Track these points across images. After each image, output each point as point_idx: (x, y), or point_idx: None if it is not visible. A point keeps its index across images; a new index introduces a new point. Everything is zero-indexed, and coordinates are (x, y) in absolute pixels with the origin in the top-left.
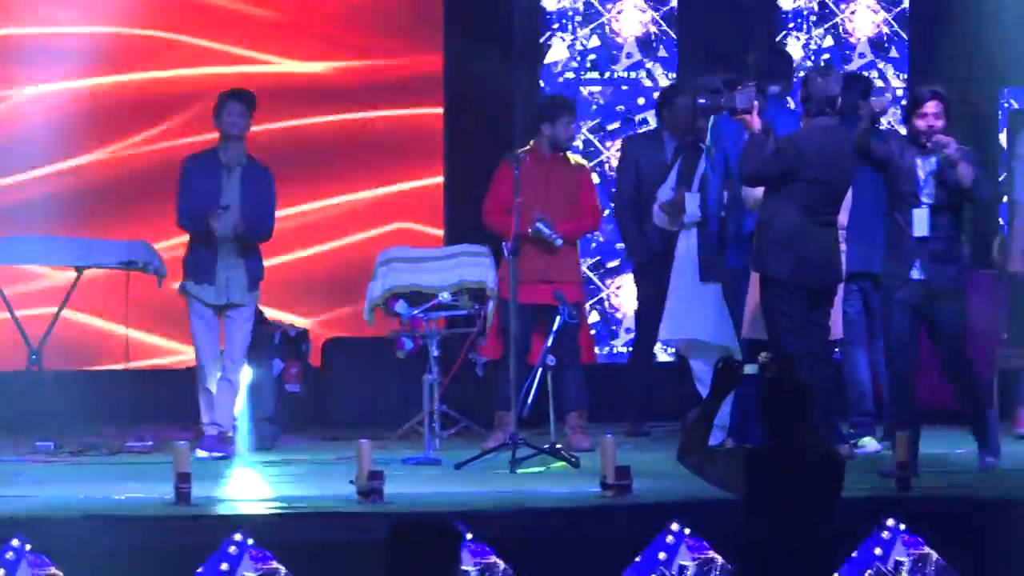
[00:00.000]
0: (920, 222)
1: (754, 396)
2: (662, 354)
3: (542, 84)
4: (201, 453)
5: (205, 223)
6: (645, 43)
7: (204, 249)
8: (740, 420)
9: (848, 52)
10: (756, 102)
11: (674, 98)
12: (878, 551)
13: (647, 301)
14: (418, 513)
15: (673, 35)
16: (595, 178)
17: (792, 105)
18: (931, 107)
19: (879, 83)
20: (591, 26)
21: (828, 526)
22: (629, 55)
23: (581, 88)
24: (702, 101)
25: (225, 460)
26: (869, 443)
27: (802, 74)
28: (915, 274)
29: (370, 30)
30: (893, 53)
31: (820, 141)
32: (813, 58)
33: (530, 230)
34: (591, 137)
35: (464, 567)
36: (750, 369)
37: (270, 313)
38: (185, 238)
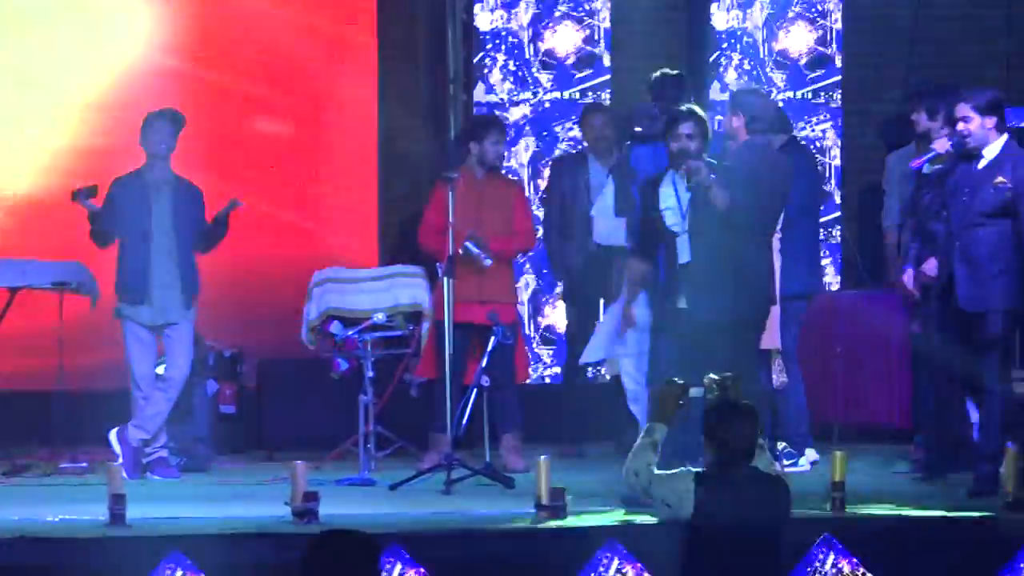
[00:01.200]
0: (682, 249)
1: (699, 418)
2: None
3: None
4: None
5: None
6: (579, 63)
7: (136, 269)
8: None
9: (783, 72)
10: None
11: (592, 118)
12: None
13: (575, 321)
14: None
15: (608, 56)
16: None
17: None
18: (685, 128)
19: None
20: (526, 46)
21: (776, 546)
22: (562, 74)
23: (513, 108)
24: (638, 129)
25: (165, 481)
26: (803, 462)
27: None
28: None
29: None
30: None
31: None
32: (746, 78)
33: (460, 250)
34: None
35: None
36: (695, 392)
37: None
38: None
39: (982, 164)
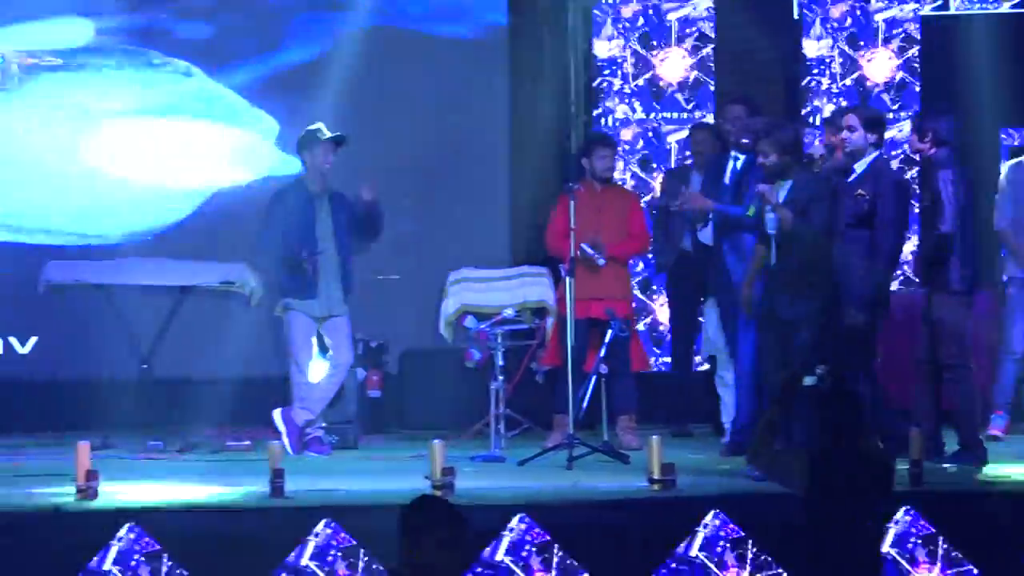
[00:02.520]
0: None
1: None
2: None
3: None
4: (309, 454)
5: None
6: (686, 88)
7: (304, 272)
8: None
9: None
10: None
11: (696, 134)
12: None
13: (677, 311)
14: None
15: (711, 82)
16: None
17: None
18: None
19: None
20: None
21: (882, 522)
22: (672, 99)
23: (624, 129)
24: (745, 141)
25: (319, 458)
26: None
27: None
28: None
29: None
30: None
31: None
32: (836, 102)
33: (578, 252)
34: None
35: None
36: (809, 380)
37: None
38: None
39: (852, 177)
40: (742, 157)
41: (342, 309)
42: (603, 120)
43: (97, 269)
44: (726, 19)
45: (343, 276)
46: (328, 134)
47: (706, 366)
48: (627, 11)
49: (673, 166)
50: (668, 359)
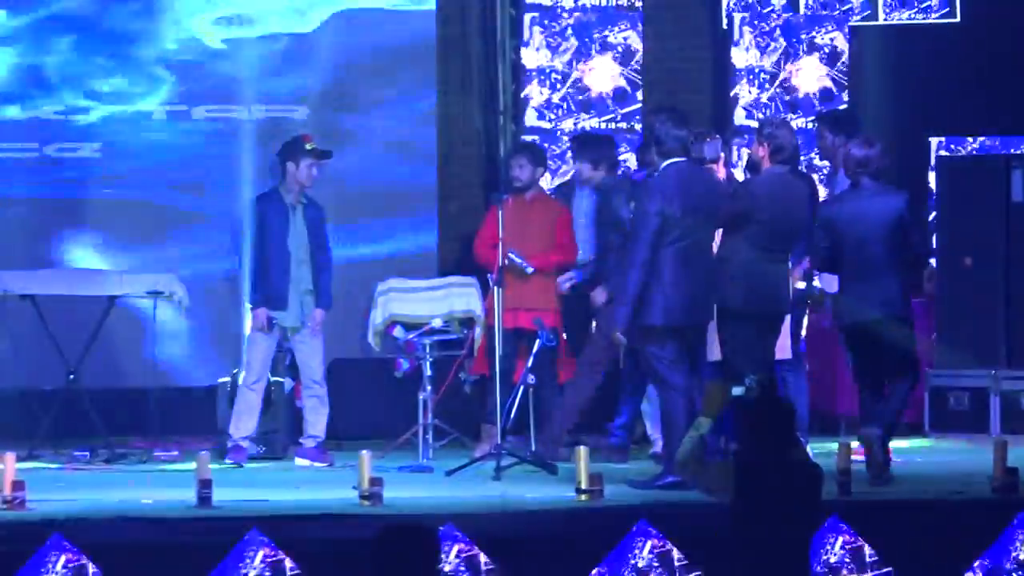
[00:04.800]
0: None
1: (734, 415)
2: None
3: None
4: (301, 461)
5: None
6: (615, 97)
7: (277, 277)
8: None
9: (795, 107)
10: (722, 153)
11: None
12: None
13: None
14: (403, 515)
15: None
16: None
17: None
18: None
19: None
20: (567, 81)
21: (811, 531)
22: (601, 107)
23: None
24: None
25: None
26: None
27: (757, 125)
28: None
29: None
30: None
31: (772, 187)
32: (764, 111)
33: (506, 261)
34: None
35: (450, 563)
36: (737, 390)
37: None
38: None
39: None
40: None
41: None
42: (530, 130)
43: (24, 279)
44: (654, 28)
45: (317, 286)
46: (314, 146)
47: None
48: (556, 20)
49: None
50: None
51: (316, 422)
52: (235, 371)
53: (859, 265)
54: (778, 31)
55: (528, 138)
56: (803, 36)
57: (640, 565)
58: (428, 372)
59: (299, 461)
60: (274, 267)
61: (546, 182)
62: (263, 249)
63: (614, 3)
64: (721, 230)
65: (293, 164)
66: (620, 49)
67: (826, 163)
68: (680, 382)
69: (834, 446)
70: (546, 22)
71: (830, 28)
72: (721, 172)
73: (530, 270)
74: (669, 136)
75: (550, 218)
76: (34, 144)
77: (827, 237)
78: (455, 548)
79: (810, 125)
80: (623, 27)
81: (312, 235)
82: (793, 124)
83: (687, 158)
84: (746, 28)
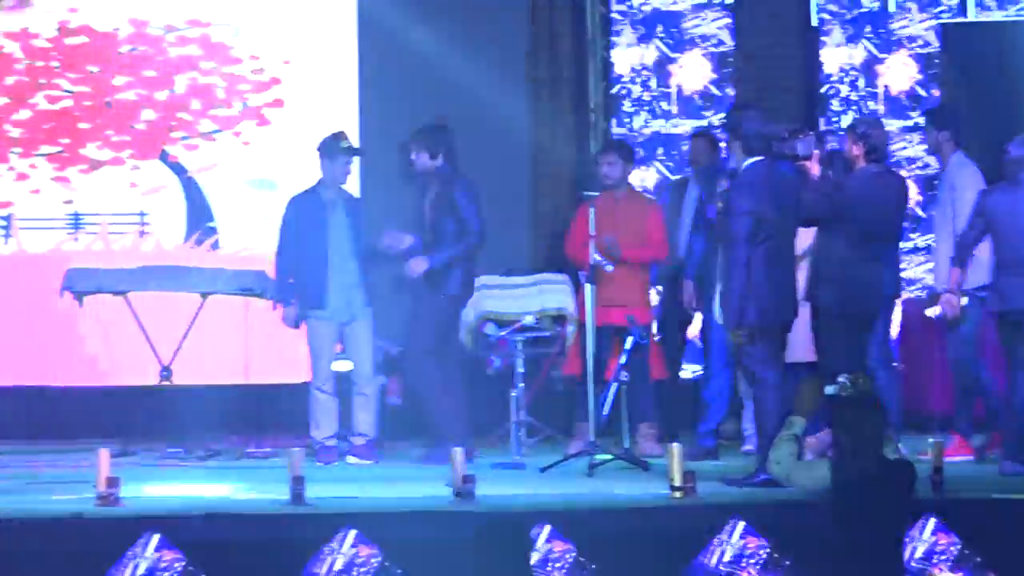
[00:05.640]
0: None
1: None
2: None
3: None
4: (352, 460)
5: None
6: (705, 97)
7: (314, 276)
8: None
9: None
10: (816, 150)
11: (694, 143)
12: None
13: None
14: (497, 512)
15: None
16: None
17: None
18: None
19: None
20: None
21: (904, 526)
22: (692, 107)
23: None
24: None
25: (340, 465)
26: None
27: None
28: None
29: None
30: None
31: (867, 185)
32: (855, 111)
33: (594, 259)
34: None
35: (543, 559)
36: (829, 389)
37: None
38: None
39: None
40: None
41: (363, 315)
42: (623, 128)
43: (118, 277)
44: (744, 26)
45: (362, 282)
46: (350, 144)
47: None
48: (646, 18)
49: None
50: (699, 367)
51: (364, 420)
52: None
53: (1015, 256)
54: (868, 27)
55: (618, 132)
56: (893, 32)
57: (733, 562)
58: (520, 369)
59: (349, 459)
60: (310, 266)
61: (636, 179)
62: (296, 248)
63: (705, 0)
64: (815, 228)
65: (329, 161)
66: (710, 46)
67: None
68: (773, 379)
69: (927, 444)
70: (636, 20)
71: (920, 25)
72: (815, 169)
73: (609, 268)
74: (756, 133)
75: (641, 215)
76: None
77: (978, 224)
78: (548, 545)
79: (904, 124)
80: (713, 25)
81: (353, 230)
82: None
83: (770, 156)
84: (836, 25)
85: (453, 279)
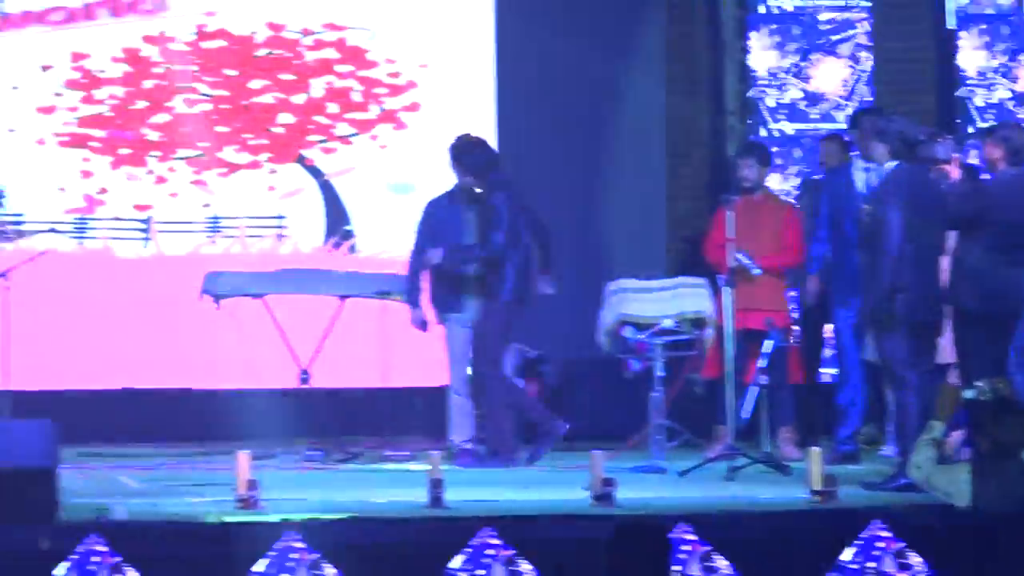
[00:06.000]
0: None
1: (967, 417)
2: None
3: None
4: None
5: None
6: (841, 99)
7: (449, 279)
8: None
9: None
10: (955, 154)
11: (825, 146)
12: None
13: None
14: (636, 515)
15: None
16: None
17: None
18: None
19: None
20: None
21: None
22: (827, 109)
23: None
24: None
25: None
26: None
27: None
28: None
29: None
30: None
31: (1007, 188)
32: (993, 114)
33: (734, 262)
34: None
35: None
36: (969, 393)
37: None
38: None
39: None
40: (872, 166)
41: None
42: (760, 130)
43: (256, 280)
44: (880, 29)
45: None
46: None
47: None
48: (783, 21)
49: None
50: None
51: (462, 424)
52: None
53: None
54: (1005, 29)
55: (761, 133)
56: None
57: (874, 567)
58: (659, 372)
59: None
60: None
61: (774, 182)
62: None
63: (842, 2)
64: (955, 232)
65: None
66: (847, 49)
67: None
68: (915, 381)
69: None
70: (773, 22)
71: None
72: (955, 173)
73: (757, 271)
74: (898, 136)
75: (778, 218)
76: None
77: None
78: (688, 548)
79: None
80: (851, 27)
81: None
82: None
83: (908, 159)
84: (972, 28)
85: (506, 286)
